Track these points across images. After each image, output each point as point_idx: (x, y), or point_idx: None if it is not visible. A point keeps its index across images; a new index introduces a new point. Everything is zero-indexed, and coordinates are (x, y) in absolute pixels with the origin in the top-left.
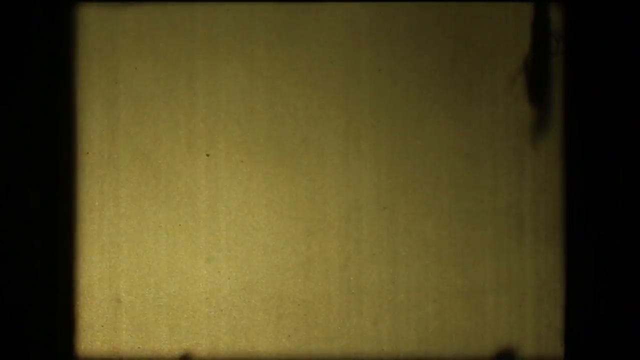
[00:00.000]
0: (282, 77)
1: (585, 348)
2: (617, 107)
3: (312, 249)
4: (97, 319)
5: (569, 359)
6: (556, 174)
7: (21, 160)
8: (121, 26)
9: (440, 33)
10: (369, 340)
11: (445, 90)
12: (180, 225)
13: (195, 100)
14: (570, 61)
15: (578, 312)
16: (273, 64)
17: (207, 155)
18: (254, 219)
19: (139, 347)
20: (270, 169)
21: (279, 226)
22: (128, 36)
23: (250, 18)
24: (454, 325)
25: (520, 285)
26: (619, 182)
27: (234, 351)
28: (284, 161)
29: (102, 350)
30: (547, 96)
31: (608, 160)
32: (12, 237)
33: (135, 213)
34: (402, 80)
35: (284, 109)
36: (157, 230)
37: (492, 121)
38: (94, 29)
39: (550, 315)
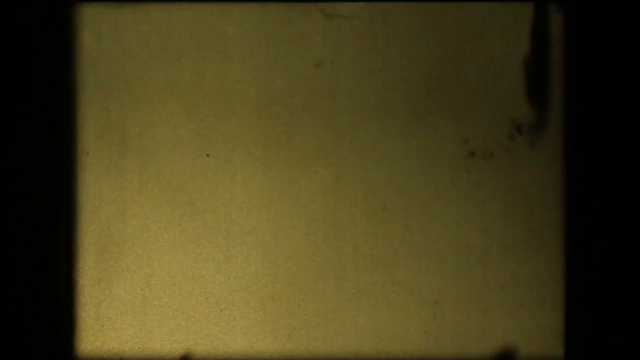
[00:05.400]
0: (282, 77)
1: (585, 348)
2: (617, 107)
3: (312, 248)
4: (97, 319)
5: (569, 359)
6: (556, 174)
7: (21, 160)
8: (121, 26)
9: (441, 33)
10: (368, 340)
11: (446, 90)
12: (180, 225)
13: (195, 100)
14: (571, 61)
15: (578, 312)
16: (273, 63)
17: (207, 155)
18: (254, 218)
19: (139, 347)
20: (270, 169)
21: (279, 226)
22: (128, 36)
23: (251, 18)
24: (454, 325)
25: (520, 285)
26: (619, 182)
27: (233, 351)
28: (285, 161)
29: (102, 350)
30: (547, 96)
31: (608, 160)
32: (12, 237)
33: (135, 213)
34: (402, 80)
35: (284, 109)
36: (157, 230)
37: (492, 121)
38: (94, 29)
39: (550, 315)
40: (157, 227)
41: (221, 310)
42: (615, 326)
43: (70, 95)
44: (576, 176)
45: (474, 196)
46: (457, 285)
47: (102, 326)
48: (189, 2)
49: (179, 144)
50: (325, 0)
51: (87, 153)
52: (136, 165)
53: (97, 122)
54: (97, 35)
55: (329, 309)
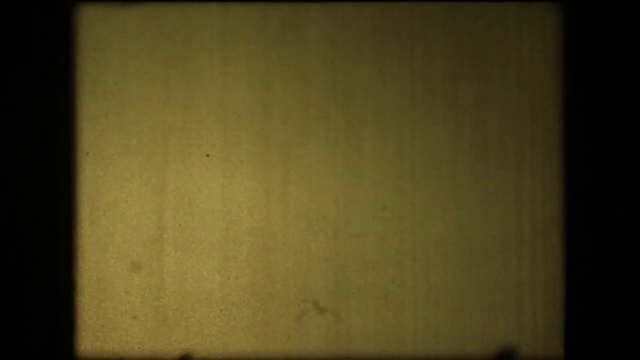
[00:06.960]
0: (281, 77)
1: (585, 348)
2: (617, 106)
3: (312, 248)
4: (97, 319)
5: (569, 359)
6: (556, 174)
7: (21, 160)
8: (121, 26)
9: (442, 34)
10: (369, 340)
11: (447, 91)
12: (180, 225)
13: (195, 101)
14: (571, 62)
15: (578, 312)
16: (272, 64)
17: (207, 155)
18: (254, 219)
19: (139, 347)
20: (270, 169)
21: (279, 226)
22: (128, 36)
23: (250, 18)
24: (454, 325)
25: (520, 285)
26: (619, 182)
27: (233, 351)
28: (284, 161)
29: (102, 350)
30: (547, 97)
31: (608, 160)
32: (12, 237)
33: (135, 213)
34: (403, 81)
35: (284, 109)
36: (156, 230)
37: (492, 122)
38: (94, 29)
39: (550, 315)
40: (157, 227)
41: (221, 310)
42: (615, 326)
43: (70, 95)
44: (576, 176)
45: (474, 196)
46: (457, 285)
47: (102, 326)
48: (189, 2)
49: (179, 144)
50: (326, 0)
51: (87, 153)
52: (136, 165)
53: (97, 122)
54: (97, 35)
55: (329, 309)
